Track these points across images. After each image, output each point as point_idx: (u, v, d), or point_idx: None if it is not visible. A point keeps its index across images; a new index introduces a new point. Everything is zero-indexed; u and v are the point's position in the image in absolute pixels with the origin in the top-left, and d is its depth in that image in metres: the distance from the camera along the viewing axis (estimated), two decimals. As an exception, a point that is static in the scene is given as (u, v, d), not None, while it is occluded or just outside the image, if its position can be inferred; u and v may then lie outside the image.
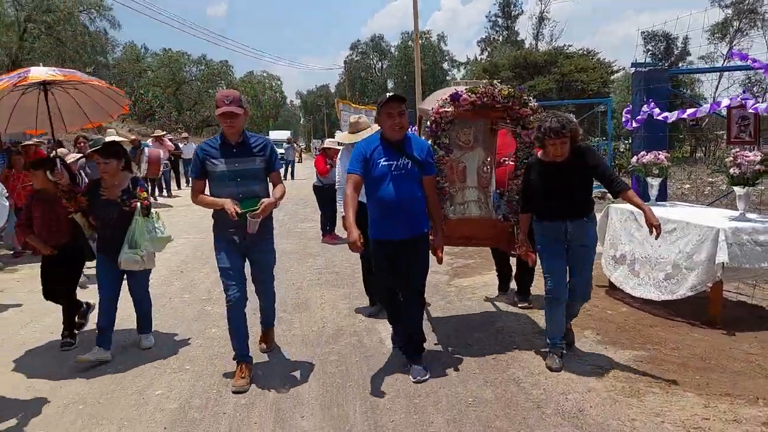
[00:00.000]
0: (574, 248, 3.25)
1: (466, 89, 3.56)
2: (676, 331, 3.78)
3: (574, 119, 3.13)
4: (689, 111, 4.65)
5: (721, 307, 3.89)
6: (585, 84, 27.78)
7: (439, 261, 3.37)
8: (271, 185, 3.31)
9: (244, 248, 3.22)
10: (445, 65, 56.03)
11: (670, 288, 3.94)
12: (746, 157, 3.89)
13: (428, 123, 3.71)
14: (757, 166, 3.84)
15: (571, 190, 3.17)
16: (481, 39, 49.53)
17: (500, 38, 47.62)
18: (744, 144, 4.48)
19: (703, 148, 31.93)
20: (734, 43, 35.03)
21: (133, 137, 14.05)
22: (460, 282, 5.38)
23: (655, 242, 3.79)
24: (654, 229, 2.92)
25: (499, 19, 48.42)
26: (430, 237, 3.33)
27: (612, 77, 30.61)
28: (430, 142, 3.58)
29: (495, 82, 3.67)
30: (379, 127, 3.24)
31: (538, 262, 3.41)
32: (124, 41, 30.13)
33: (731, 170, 3.94)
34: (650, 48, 36.50)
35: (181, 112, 30.89)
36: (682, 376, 3.05)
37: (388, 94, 3.09)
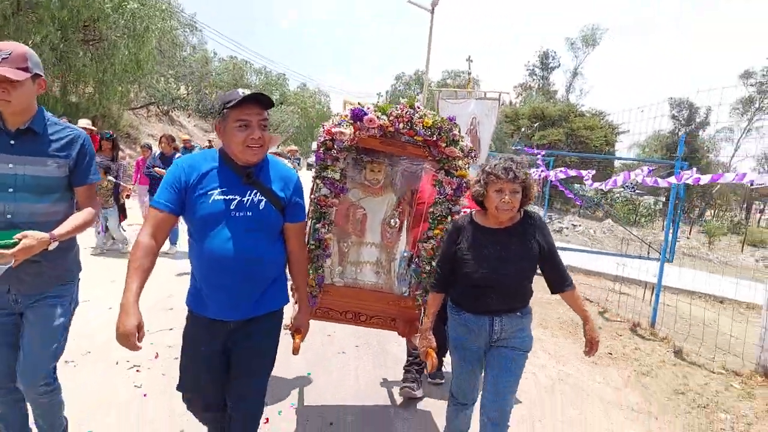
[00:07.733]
0: (496, 352, 2.35)
1: (375, 107, 2.67)
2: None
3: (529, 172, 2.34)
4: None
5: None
6: (589, 140, 31.07)
7: (295, 350, 2.31)
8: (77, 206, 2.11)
9: (14, 307, 2.00)
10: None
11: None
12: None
13: (315, 145, 2.78)
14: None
15: (513, 271, 2.28)
16: (519, 84, 52.74)
17: (536, 86, 50.76)
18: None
19: (713, 211, 34.19)
20: (754, 119, 37.48)
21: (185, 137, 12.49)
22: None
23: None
24: (591, 346, 2.37)
25: (536, 69, 51.68)
26: (290, 319, 2.37)
27: (617, 137, 33.57)
28: (312, 173, 2.78)
29: (417, 104, 2.72)
30: (222, 141, 2.03)
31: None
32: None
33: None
34: (675, 114, 39.18)
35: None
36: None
37: (241, 91, 1.87)
